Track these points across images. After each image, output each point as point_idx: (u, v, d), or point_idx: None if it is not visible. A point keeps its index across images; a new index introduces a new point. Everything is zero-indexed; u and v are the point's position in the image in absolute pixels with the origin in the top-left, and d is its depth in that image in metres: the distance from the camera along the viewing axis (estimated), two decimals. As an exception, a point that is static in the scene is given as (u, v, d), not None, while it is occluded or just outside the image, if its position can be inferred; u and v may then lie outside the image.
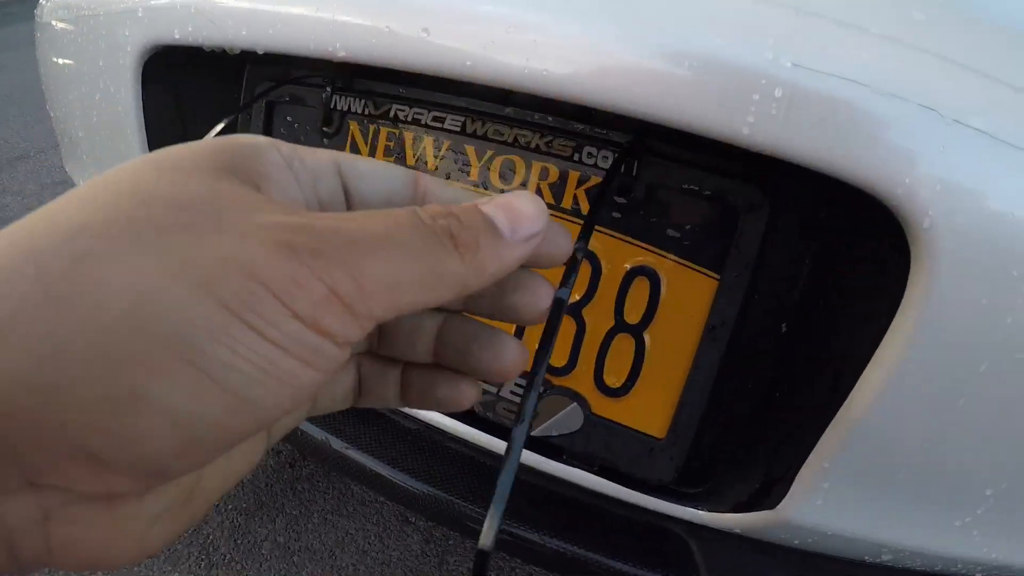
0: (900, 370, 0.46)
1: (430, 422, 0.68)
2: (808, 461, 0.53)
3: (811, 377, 0.55)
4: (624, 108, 0.46)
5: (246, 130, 0.74)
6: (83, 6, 0.74)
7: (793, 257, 0.55)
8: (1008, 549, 0.54)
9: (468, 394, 0.31)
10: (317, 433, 0.67)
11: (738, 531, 0.59)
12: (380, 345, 0.31)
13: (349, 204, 0.28)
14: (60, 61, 0.82)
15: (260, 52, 0.59)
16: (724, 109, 0.43)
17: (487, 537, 0.27)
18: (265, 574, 1.00)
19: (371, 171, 0.28)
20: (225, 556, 1.03)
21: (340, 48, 0.54)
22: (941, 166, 0.42)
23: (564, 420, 0.62)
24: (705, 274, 0.56)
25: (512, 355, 0.29)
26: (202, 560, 1.02)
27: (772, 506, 0.55)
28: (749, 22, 0.44)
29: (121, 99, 0.72)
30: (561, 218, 0.59)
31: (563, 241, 0.29)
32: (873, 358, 0.48)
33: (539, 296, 0.29)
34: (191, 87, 0.75)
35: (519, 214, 0.25)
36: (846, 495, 0.53)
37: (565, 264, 0.30)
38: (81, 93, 0.79)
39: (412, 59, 0.51)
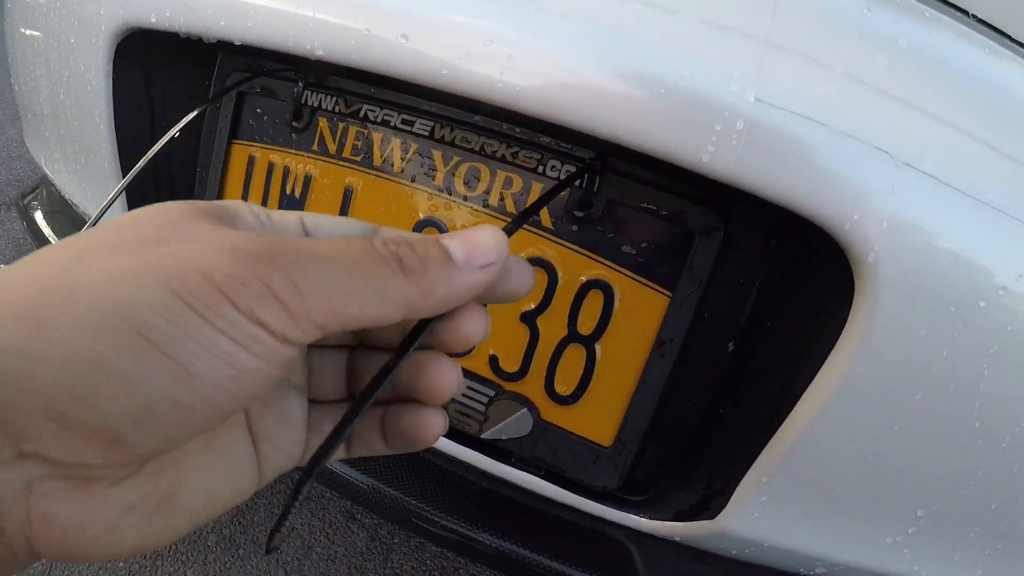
0: (839, 393, 0.49)
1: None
2: (748, 475, 0.55)
3: (754, 394, 0.57)
4: (590, 128, 0.47)
5: (214, 120, 0.74)
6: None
7: (743, 279, 0.56)
8: (936, 568, 0.57)
9: (435, 422, 0.32)
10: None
11: (677, 539, 0.61)
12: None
13: None
14: (29, 33, 0.80)
15: (237, 43, 0.59)
16: (686, 136, 0.45)
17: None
18: (210, 566, 1.00)
19: (334, 223, 0.32)
20: (170, 547, 1.02)
21: (318, 47, 0.54)
22: (889, 205, 0.44)
23: (514, 424, 0.64)
24: (658, 291, 0.57)
25: (448, 375, 0.31)
26: None
27: (712, 516, 0.58)
28: (717, 52, 0.46)
29: (90, 79, 0.72)
30: (524, 228, 0.60)
31: (526, 277, 0.31)
32: (814, 380, 0.50)
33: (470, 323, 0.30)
34: (162, 71, 0.74)
35: (476, 244, 0.28)
36: (783, 509, 0.55)
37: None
38: (49, 69, 0.78)
39: (389, 64, 0.51)
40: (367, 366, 0.34)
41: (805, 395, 0.51)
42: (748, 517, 0.56)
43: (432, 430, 0.32)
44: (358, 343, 0.35)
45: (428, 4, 0.51)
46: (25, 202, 0.95)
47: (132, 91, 0.73)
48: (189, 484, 0.26)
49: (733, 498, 0.56)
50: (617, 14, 0.47)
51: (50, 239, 0.88)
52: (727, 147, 0.45)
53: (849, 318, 0.47)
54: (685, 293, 0.57)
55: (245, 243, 0.24)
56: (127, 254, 0.23)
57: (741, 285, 0.57)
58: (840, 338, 0.48)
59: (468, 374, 0.64)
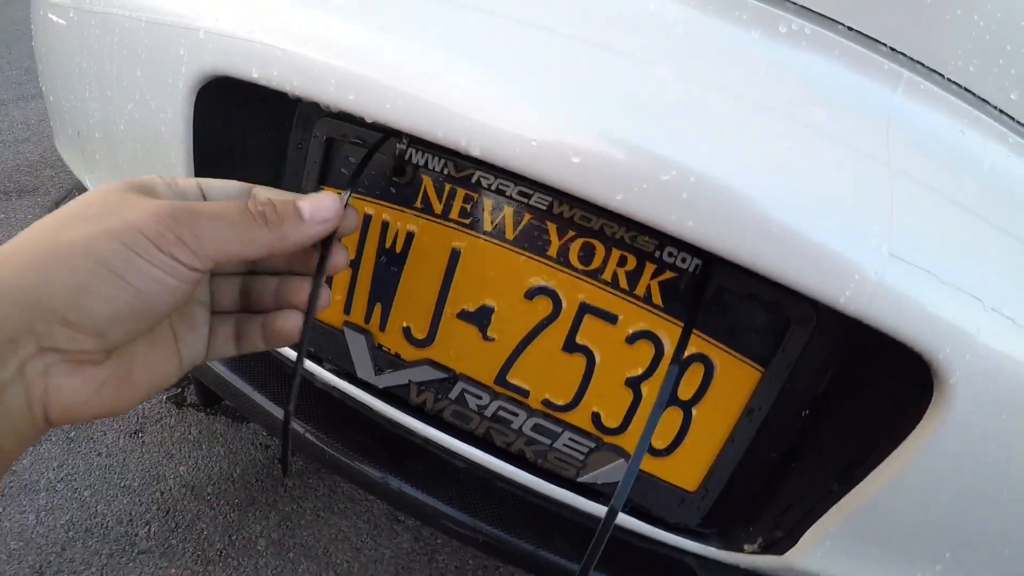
0: (908, 470, 0.59)
1: (480, 463, 0.75)
2: (817, 523, 0.66)
3: (824, 457, 0.67)
4: (753, 266, 0.53)
5: (301, 169, 0.73)
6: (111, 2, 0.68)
7: (823, 360, 0.66)
8: None
9: (291, 320, 0.51)
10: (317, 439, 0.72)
11: (742, 566, 0.72)
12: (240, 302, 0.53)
13: None
14: (72, 53, 0.74)
15: (368, 121, 0.59)
16: (830, 282, 0.52)
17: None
18: (262, 571, 1.03)
19: (219, 186, 0.48)
20: (220, 552, 1.04)
21: (474, 147, 0.55)
22: (975, 342, 0.54)
23: (610, 472, 0.71)
24: (752, 366, 0.66)
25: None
26: (197, 555, 1.03)
27: (780, 552, 0.68)
28: (855, 208, 0.52)
29: (166, 121, 0.68)
30: (633, 303, 0.66)
31: (354, 221, 0.51)
32: (888, 457, 0.60)
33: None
34: (239, 114, 0.72)
35: (318, 205, 0.46)
36: (840, 550, 0.67)
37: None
38: (103, 95, 0.73)
39: (556, 179, 0.54)
40: (254, 286, 0.52)
41: (877, 469, 0.61)
42: (811, 555, 0.67)
43: (295, 325, 0.51)
44: (247, 270, 0.53)
45: (597, 127, 0.53)
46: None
47: (211, 133, 0.71)
48: (138, 365, 0.43)
49: (801, 540, 0.67)
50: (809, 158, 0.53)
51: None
52: (861, 293, 0.52)
53: (925, 418, 0.58)
54: (777, 370, 0.65)
55: (164, 209, 0.39)
56: (94, 221, 0.38)
57: (822, 364, 0.66)
58: (915, 431, 0.58)
59: (570, 427, 0.71)
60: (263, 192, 0.49)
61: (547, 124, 0.54)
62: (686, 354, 0.66)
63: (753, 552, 0.71)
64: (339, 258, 0.52)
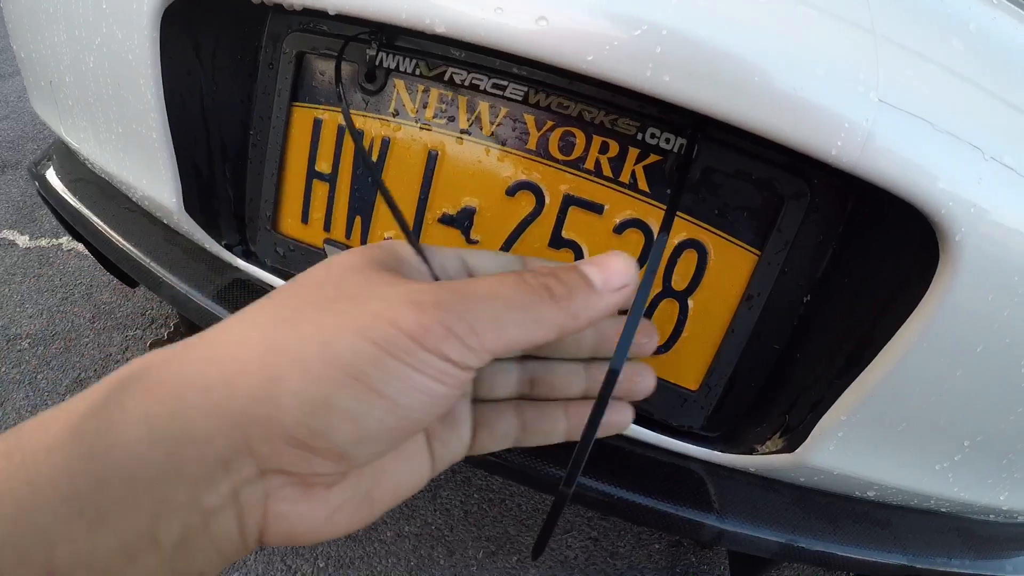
0: (918, 346, 0.56)
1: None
2: (827, 415, 0.62)
3: (830, 342, 0.64)
4: (737, 120, 0.50)
5: (273, 87, 0.71)
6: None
7: (822, 239, 0.62)
8: (973, 491, 0.67)
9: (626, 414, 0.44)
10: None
11: (753, 470, 0.69)
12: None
13: None
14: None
15: (332, 13, 0.57)
16: (820, 133, 0.49)
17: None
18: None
19: (489, 259, 0.40)
20: None
21: (439, 24, 0.53)
22: (977, 193, 0.50)
23: (606, 376, 0.68)
24: (748, 250, 0.63)
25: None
26: None
27: (790, 450, 0.65)
28: (849, 55, 0.50)
29: (132, 47, 0.67)
30: (619, 191, 0.63)
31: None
32: (896, 333, 0.57)
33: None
34: (209, 33, 0.70)
35: (609, 269, 0.35)
36: (855, 442, 0.63)
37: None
38: (73, 36, 0.72)
39: (524, 46, 0.51)
40: (534, 370, 0.43)
41: (886, 347, 0.58)
42: (824, 451, 0.64)
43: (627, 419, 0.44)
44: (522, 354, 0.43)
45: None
46: (38, 170, 0.88)
47: (180, 57, 0.69)
48: (383, 483, 0.35)
49: (812, 434, 0.63)
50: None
51: (76, 207, 0.83)
52: (853, 143, 0.49)
53: (932, 284, 0.54)
54: (773, 252, 0.62)
55: (421, 295, 0.30)
56: (329, 312, 0.30)
57: (820, 244, 0.63)
58: (923, 299, 0.55)
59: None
60: (537, 262, 0.40)
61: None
62: (677, 239, 0.63)
63: (763, 453, 0.68)
64: (646, 343, 0.43)
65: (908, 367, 0.57)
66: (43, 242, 1.72)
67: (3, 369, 1.29)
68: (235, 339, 0.30)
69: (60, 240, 1.73)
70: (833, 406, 0.62)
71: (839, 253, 0.63)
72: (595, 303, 0.34)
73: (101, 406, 0.27)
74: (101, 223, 0.83)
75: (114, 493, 0.26)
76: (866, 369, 0.59)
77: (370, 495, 0.34)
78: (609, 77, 0.52)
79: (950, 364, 0.57)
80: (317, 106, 0.70)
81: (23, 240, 1.72)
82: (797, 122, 0.50)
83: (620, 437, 0.70)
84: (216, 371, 0.28)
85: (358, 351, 0.28)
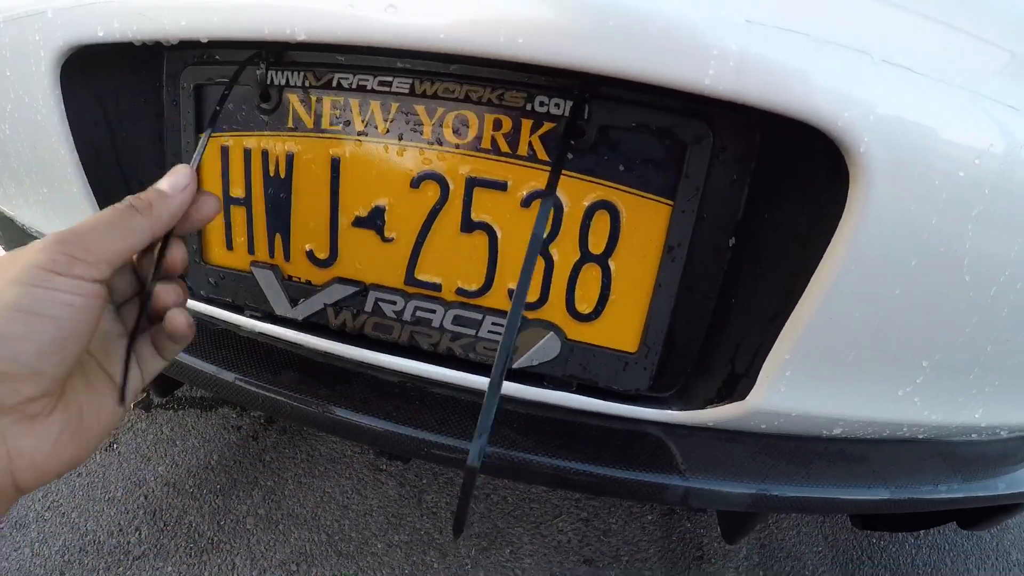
0: (845, 270, 0.54)
1: (411, 372, 0.72)
2: (770, 355, 0.60)
3: (761, 283, 0.62)
4: (597, 68, 0.50)
5: (178, 123, 0.72)
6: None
7: (735, 179, 0.61)
8: (943, 412, 0.65)
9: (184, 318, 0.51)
10: (303, 403, 0.70)
11: (711, 424, 0.67)
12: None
13: None
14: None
15: (204, 41, 0.58)
16: (688, 64, 0.48)
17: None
18: (255, 547, 1.02)
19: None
20: (211, 540, 1.03)
21: (299, 31, 0.54)
22: (873, 99, 0.48)
23: (542, 349, 0.68)
24: (660, 201, 0.61)
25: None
26: (190, 548, 1.02)
27: (742, 397, 0.63)
28: None
29: (39, 108, 0.68)
30: (520, 165, 0.62)
31: (211, 203, 0.51)
32: (821, 261, 0.55)
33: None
34: (109, 82, 0.71)
35: (175, 176, 0.48)
36: (805, 380, 0.61)
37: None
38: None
39: (382, 36, 0.52)
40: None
41: (814, 276, 0.55)
42: (776, 392, 0.62)
43: (185, 322, 0.50)
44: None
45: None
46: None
47: (86, 110, 0.70)
48: (85, 409, 0.45)
49: (760, 377, 0.61)
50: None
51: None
52: (726, 70, 0.48)
53: (847, 201, 0.52)
54: (685, 200, 0.61)
55: (49, 238, 0.41)
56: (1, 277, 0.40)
57: (733, 184, 0.61)
58: (841, 220, 0.53)
59: (491, 311, 0.67)
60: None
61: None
62: (586, 202, 0.62)
63: (716, 404, 0.66)
64: (177, 251, 0.51)
65: (840, 294, 0.55)
66: None
67: None
68: None
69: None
70: (774, 347, 0.60)
71: (756, 191, 0.61)
72: (170, 204, 0.47)
73: None
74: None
75: None
76: (798, 303, 0.57)
77: (81, 422, 0.44)
78: (465, 50, 0.51)
79: (886, 283, 0.55)
80: (221, 134, 0.70)
81: None
82: (664, 59, 0.49)
83: (569, 411, 0.69)
84: None
85: (16, 291, 0.39)
